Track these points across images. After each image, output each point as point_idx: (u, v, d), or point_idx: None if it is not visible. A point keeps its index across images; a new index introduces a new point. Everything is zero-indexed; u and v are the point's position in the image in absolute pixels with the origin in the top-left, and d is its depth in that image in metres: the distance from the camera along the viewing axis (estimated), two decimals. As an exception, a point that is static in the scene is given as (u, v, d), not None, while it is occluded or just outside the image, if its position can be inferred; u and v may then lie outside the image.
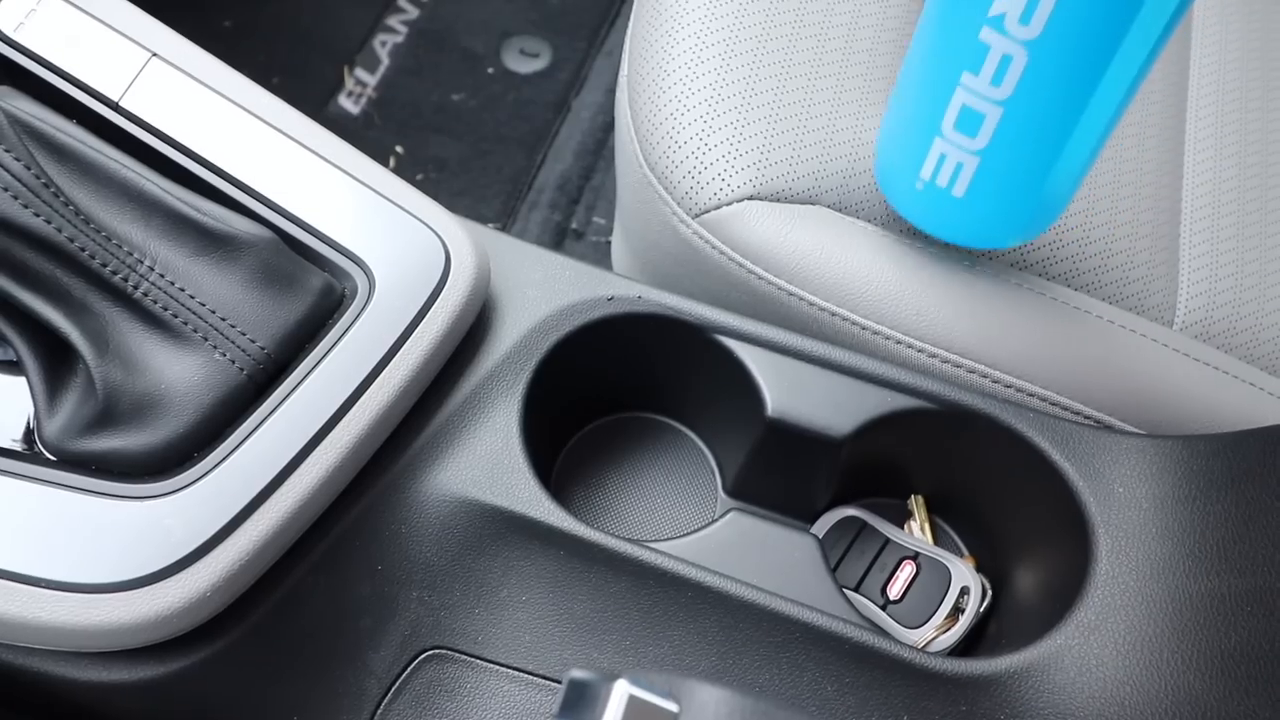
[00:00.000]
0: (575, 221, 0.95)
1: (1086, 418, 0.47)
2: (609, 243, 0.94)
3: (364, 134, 0.99)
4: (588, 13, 1.08)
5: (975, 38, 0.37)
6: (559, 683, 0.40)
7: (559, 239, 0.94)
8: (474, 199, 0.96)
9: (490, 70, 1.03)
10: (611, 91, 1.03)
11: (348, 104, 1.01)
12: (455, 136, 0.99)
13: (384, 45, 1.05)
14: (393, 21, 1.06)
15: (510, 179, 0.97)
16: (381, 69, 1.03)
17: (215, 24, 1.01)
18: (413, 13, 1.07)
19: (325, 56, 1.03)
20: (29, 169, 0.33)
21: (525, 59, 1.04)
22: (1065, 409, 0.47)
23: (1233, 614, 0.35)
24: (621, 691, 0.21)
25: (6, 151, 0.33)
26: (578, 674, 0.23)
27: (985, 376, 0.47)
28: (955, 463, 0.46)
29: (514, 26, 1.06)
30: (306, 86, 1.00)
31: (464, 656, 0.41)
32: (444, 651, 0.41)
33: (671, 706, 0.22)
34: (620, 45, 1.07)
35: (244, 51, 0.97)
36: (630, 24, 0.59)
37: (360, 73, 1.03)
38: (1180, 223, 0.56)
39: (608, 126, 1.01)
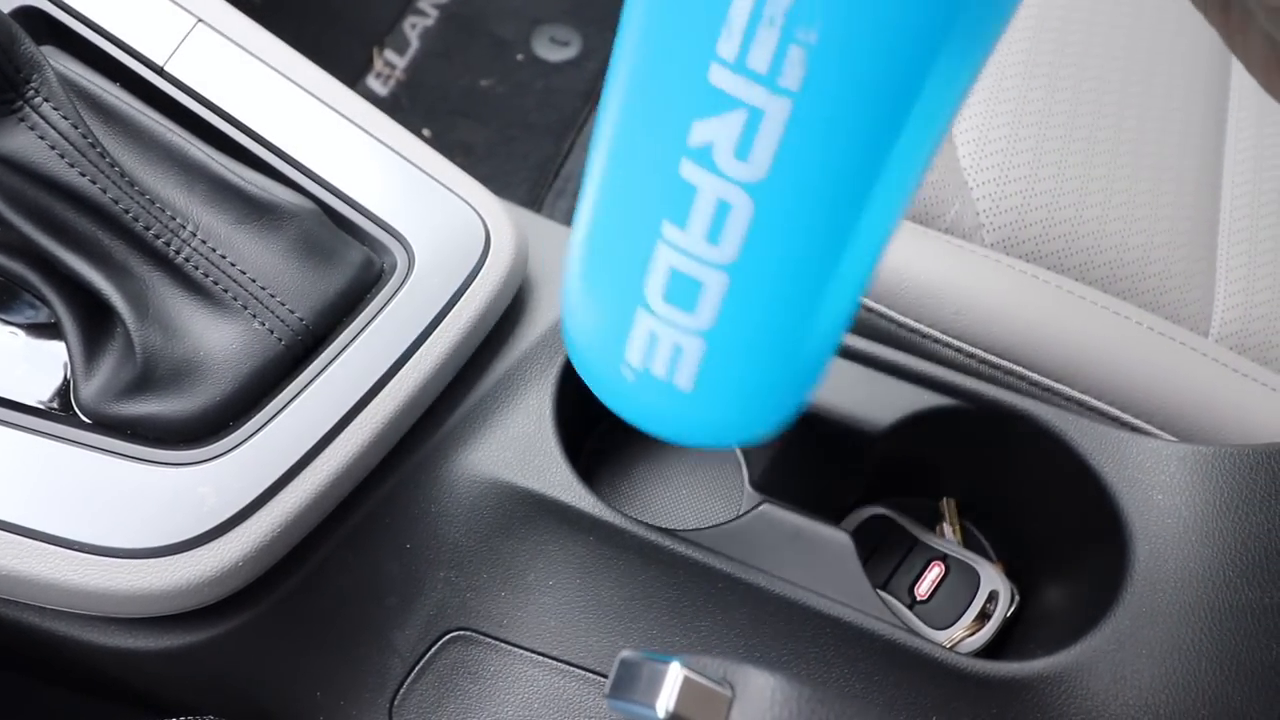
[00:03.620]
0: (601, 211, 0.95)
1: (1122, 422, 0.47)
2: (633, 234, 0.93)
3: (391, 116, 0.98)
4: (619, 3, 1.07)
5: (675, 173, 0.23)
6: (582, 669, 0.40)
7: (583, 228, 0.94)
8: (500, 185, 0.95)
9: (520, 57, 1.03)
10: (640, 83, 1.03)
11: (376, 85, 1.01)
12: (483, 122, 0.99)
13: (414, 28, 1.04)
14: (423, 5, 1.06)
15: (537, 166, 0.96)
16: (411, 52, 1.03)
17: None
18: (444, -3, 1.07)
19: (355, 37, 1.03)
20: (76, 128, 0.33)
21: (555, 47, 1.04)
22: (1101, 413, 0.47)
23: (1275, 626, 0.35)
24: (676, 674, 0.21)
25: (55, 110, 0.32)
26: (629, 655, 0.23)
27: (1022, 378, 0.47)
28: (989, 464, 0.45)
29: (544, 14, 1.06)
30: (335, 66, 0.99)
31: (488, 639, 0.40)
32: (469, 633, 0.40)
33: (725, 691, 0.21)
34: (650, 37, 1.06)
35: (273, 29, 0.97)
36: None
37: (389, 54, 1.02)
38: (1218, 233, 0.56)
39: (636, 118, 1.00)
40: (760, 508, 0.44)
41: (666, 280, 0.25)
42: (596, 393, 0.30)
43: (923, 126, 0.23)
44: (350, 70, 1.01)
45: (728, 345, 0.26)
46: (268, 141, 0.40)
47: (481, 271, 0.40)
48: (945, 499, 0.49)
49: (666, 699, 0.21)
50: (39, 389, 0.36)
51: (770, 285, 0.25)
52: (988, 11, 0.21)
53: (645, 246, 0.25)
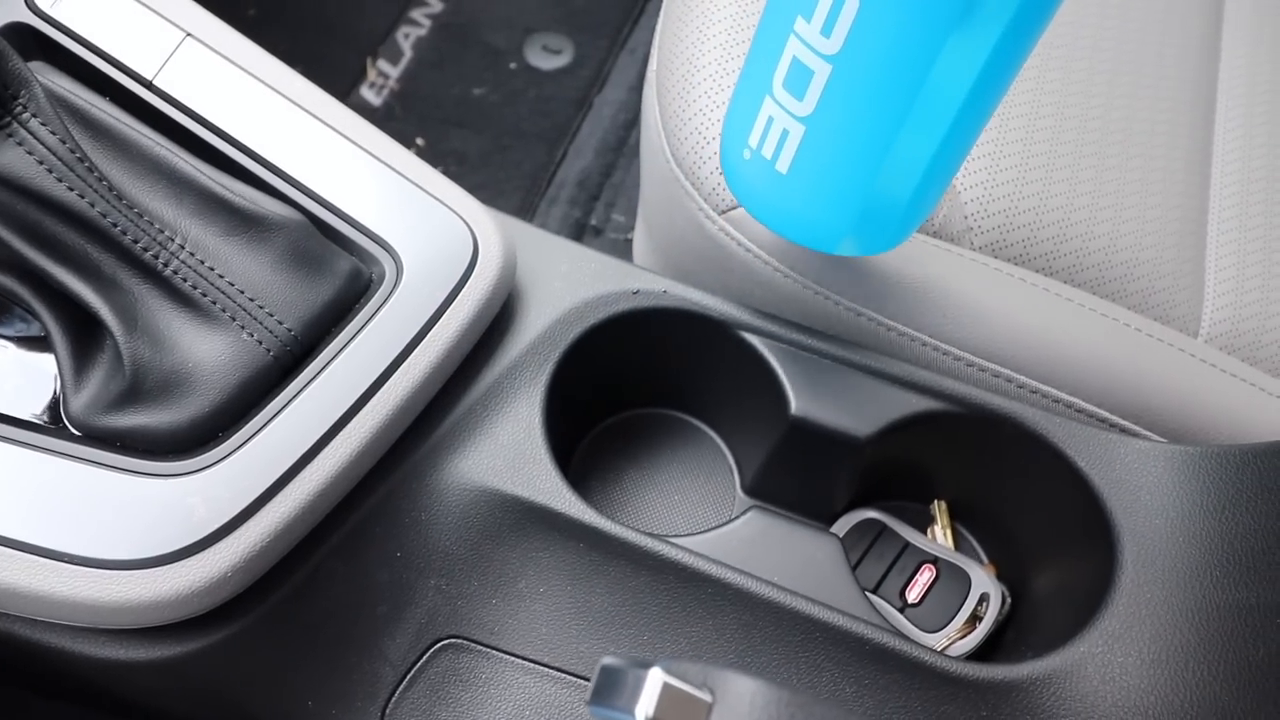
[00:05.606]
0: (594, 218, 0.95)
1: (1110, 424, 0.47)
2: (628, 240, 0.93)
3: (385, 125, 0.99)
4: (611, 10, 1.08)
5: None
6: (574, 676, 0.40)
7: (578, 235, 0.94)
8: (493, 193, 0.95)
9: (512, 66, 1.03)
10: (634, 90, 1.03)
11: (370, 95, 1.01)
12: (476, 130, 0.99)
13: (407, 38, 1.05)
14: (416, 14, 1.06)
15: (530, 174, 0.96)
16: (404, 61, 1.03)
17: (240, 12, 1.01)
18: (436, 6, 1.07)
19: (348, 47, 1.03)
20: (64, 143, 0.33)
21: (548, 55, 1.04)
22: (1089, 415, 0.47)
23: (1262, 626, 0.35)
24: (656, 679, 0.21)
25: (43, 125, 0.33)
26: (610, 661, 0.23)
27: (1010, 381, 0.47)
28: (978, 467, 0.45)
29: (537, 23, 1.06)
30: (329, 77, 1.00)
31: (480, 647, 0.40)
32: (460, 641, 0.41)
33: (705, 697, 0.21)
34: (643, 44, 1.06)
35: (267, 40, 0.97)
36: (660, 21, 0.59)
37: (383, 64, 1.03)
38: (1207, 234, 0.56)
39: (629, 124, 1.00)
40: (750, 512, 0.44)
41: (789, 69, 0.34)
42: (726, 176, 0.41)
43: None
44: (344, 80, 1.01)
45: (820, 133, 0.35)
46: (255, 154, 0.40)
47: (469, 281, 0.40)
48: (936, 502, 0.49)
49: (646, 705, 0.21)
50: (29, 402, 0.36)
51: (859, 83, 0.33)
52: None
53: (781, 40, 0.34)
